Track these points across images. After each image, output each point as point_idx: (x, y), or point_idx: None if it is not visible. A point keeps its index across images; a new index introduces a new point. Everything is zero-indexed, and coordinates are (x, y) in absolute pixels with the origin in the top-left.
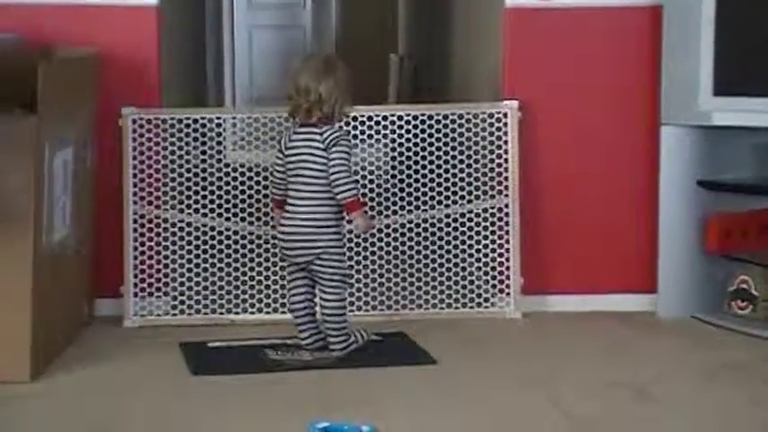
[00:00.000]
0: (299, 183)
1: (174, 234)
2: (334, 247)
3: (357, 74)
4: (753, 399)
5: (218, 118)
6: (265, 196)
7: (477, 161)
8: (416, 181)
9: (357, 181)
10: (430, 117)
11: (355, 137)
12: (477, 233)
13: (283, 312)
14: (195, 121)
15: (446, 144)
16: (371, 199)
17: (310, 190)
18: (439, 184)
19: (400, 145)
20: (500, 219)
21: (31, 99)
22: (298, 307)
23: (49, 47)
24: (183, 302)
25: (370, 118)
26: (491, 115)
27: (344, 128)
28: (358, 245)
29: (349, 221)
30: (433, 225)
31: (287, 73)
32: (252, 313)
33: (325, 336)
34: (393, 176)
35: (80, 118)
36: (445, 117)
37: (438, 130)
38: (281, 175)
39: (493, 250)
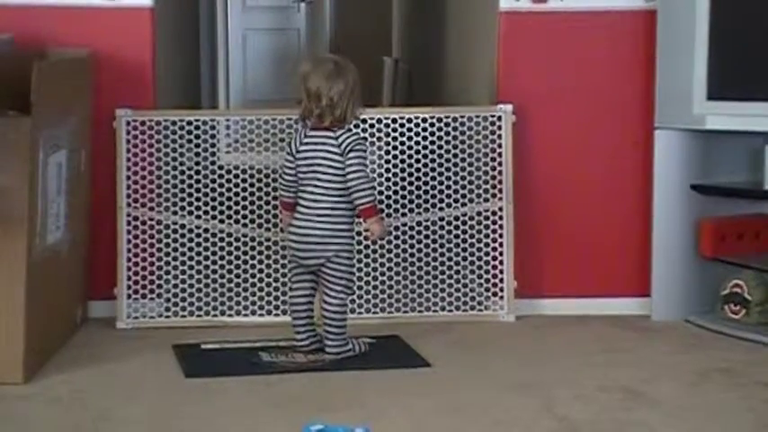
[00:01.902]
0: (313, 185)
1: (167, 236)
2: (346, 251)
3: None
4: (746, 403)
5: (212, 120)
6: (259, 198)
7: (471, 164)
8: (411, 184)
9: (374, 186)
10: (424, 120)
11: None
12: (472, 236)
13: (277, 314)
14: (189, 123)
15: (440, 147)
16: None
17: (324, 193)
18: (433, 187)
19: (394, 148)
20: (494, 222)
21: (25, 101)
22: (298, 308)
23: (43, 48)
24: (176, 304)
25: (364, 121)
26: (485, 118)
27: (358, 130)
28: None
29: (363, 223)
30: (427, 228)
31: (296, 74)
32: (245, 315)
33: (320, 338)
34: (387, 179)
35: (74, 120)
36: (439, 120)
37: (432, 133)
38: (292, 177)
39: (487, 253)
